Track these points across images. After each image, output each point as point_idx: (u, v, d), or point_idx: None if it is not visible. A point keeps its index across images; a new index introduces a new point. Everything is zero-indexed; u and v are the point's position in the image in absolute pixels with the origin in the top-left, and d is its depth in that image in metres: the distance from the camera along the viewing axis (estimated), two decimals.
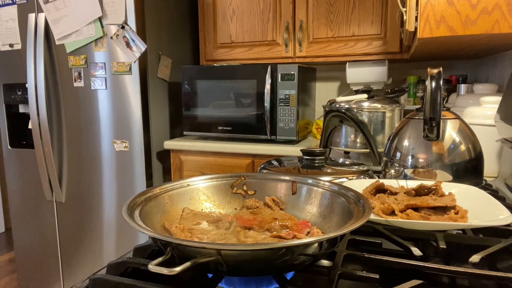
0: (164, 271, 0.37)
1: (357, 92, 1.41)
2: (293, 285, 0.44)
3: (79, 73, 1.87)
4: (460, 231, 0.63)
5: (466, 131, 0.84)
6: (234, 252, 0.41)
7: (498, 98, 1.06)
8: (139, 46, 1.74)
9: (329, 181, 0.62)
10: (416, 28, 0.96)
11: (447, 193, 0.68)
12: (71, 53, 1.86)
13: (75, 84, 1.88)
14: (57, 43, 1.86)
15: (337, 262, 0.50)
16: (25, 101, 1.99)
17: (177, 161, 1.93)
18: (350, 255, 0.52)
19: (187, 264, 0.38)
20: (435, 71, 0.77)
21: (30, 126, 1.94)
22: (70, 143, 1.95)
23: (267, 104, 1.74)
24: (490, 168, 1.05)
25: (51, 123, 1.95)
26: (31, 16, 1.86)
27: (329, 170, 0.85)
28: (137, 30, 1.74)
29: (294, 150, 1.68)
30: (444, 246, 0.54)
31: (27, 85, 1.91)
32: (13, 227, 2.18)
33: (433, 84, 0.76)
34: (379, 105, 1.31)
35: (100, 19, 1.76)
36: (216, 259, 0.40)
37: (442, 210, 0.63)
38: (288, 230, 0.53)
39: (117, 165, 1.87)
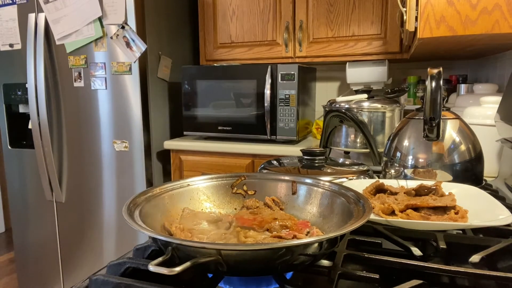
0: (164, 271, 0.37)
1: (357, 92, 1.41)
2: (293, 285, 0.44)
3: (79, 73, 1.86)
4: (460, 231, 0.63)
5: (466, 131, 0.84)
6: (234, 252, 0.41)
7: (498, 98, 1.06)
8: (139, 46, 1.74)
9: (329, 181, 0.62)
10: (416, 28, 0.96)
11: (447, 193, 0.68)
12: (71, 53, 1.86)
13: (75, 84, 1.88)
14: (57, 43, 1.86)
15: (337, 262, 0.50)
16: (25, 101, 1.99)
17: (177, 161, 1.93)
18: (350, 255, 0.52)
19: (187, 264, 0.38)
20: (435, 71, 0.77)
21: (30, 126, 1.94)
22: (70, 143, 1.95)
23: (267, 104, 1.74)
24: (490, 168, 1.05)
25: (51, 123, 1.95)
26: (31, 16, 1.86)
27: (329, 170, 0.85)
28: (137, 30, 1.73)
29: (294, 150, 1.68)
30: (444, 246, 0.54)
31: (27, 85, 1.90)
32: (13, 227, 2.18)
33: (433, 84, 0.76)
34: (379, 105, 1.31)
35: (100, 19, 1.76)
36: (216, 259, 0.40)
37: (442, 210, 0.63)
38: (288, 230, 0.53)
39: (117, 165, 1.87)
